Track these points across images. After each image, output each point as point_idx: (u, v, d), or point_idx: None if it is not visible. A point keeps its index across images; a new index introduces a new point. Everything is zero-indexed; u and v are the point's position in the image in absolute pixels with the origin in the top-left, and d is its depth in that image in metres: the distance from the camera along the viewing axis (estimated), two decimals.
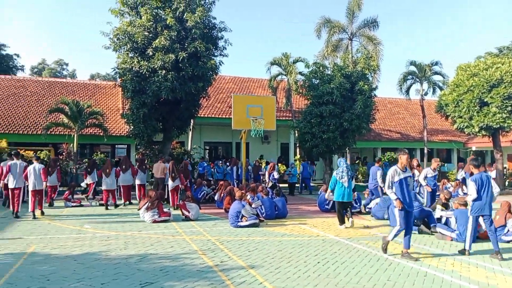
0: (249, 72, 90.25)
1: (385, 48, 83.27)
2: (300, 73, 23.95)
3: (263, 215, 11.36)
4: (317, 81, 21.11)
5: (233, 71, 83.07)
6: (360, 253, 7.58)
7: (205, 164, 20.88)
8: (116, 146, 24.98)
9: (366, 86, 19.95)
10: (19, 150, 13.90)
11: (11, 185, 11.64)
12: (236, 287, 5.53)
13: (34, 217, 11.26)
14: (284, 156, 27.40)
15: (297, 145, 24.16)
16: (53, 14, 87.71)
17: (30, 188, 11.50)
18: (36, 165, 11.57)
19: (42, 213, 11.90)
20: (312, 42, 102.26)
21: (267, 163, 20.48)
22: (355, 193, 12.31)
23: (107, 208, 13.43)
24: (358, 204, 13.16)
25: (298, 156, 24.99)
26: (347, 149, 23.66)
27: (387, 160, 24.95)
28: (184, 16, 16.38)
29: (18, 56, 42.86)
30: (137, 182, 14.83)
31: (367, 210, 13.06)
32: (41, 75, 45.39)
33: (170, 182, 13.82)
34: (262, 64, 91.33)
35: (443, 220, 9.62)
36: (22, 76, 34.17)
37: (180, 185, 14.00)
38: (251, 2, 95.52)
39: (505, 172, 24.42)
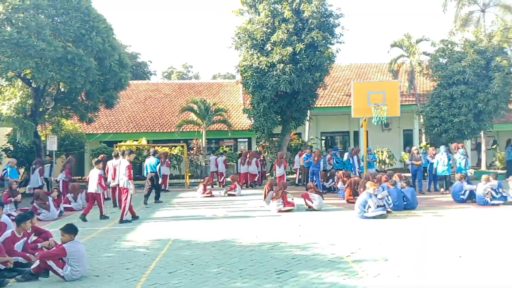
0: (365, 58, 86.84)
1: None
2: (424, 53, 22.28)
3: (390, 206, 10.87)
4: (445, 60, 19.36)
5: (349, 58, 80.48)
6: None
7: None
8: (238, 140, 26.32)
9: (504, 61, 17.65)
10: (155, 147, 15.48)
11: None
12: (372, 279, 5.39)
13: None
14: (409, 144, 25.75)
15: (422, 131, 22.61)
16: (175, 22, 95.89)
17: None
18: None
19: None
20: (434, 22, 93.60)
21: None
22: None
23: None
24: None
25: (423, 143, 23.30)
26: (481, 133, 21.34)
27: None
28: (301, 7, 16.53)
29: (151, 62, 47.91)
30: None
31: None
32: (170, 78, 49.88)
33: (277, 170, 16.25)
34: (379, 48, 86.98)
35: None
36: (155, 81, 38.17)
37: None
38: None
39: None
